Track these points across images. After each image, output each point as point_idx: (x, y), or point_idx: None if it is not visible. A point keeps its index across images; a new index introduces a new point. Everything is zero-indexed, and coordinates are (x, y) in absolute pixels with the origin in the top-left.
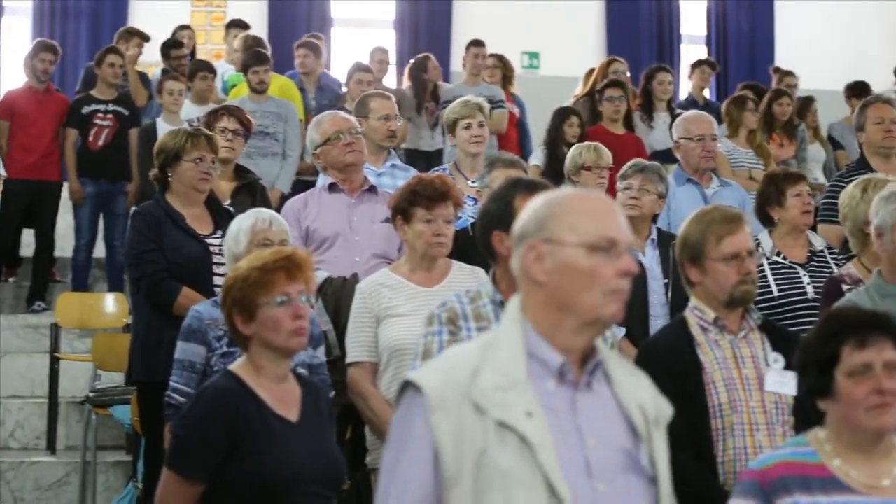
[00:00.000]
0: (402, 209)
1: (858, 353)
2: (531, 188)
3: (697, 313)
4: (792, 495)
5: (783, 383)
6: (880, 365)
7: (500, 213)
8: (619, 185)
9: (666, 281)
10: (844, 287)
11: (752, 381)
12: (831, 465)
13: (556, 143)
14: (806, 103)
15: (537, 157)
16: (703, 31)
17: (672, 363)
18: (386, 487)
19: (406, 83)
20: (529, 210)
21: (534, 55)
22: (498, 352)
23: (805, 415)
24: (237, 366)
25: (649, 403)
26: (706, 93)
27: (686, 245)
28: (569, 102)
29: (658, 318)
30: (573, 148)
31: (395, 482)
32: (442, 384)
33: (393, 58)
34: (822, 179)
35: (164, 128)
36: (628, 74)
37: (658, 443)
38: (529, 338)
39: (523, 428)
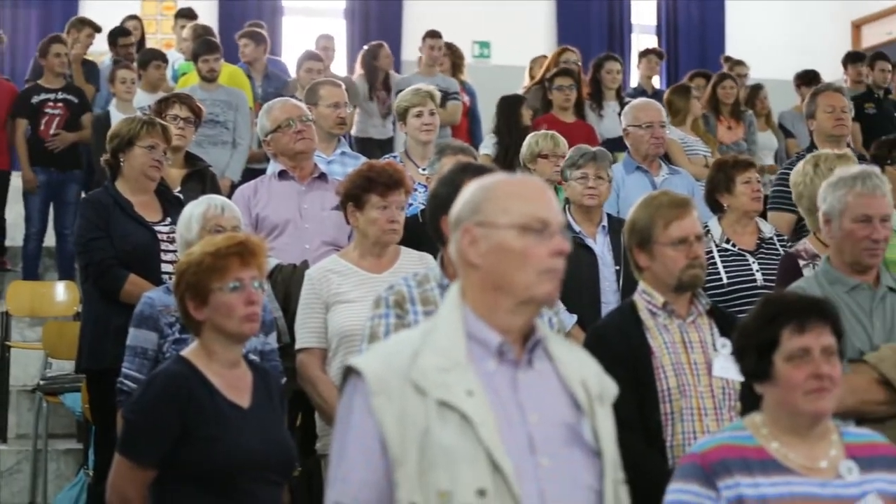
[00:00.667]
0: (355, 196)
1: (797, 338)
2: (479, 173)
3: (646, 297)
4: (733, 476)
5: (730, 368)
6: (818, 350)
7: (448, 197)
8: (571, 173)
9: (617, 268)
10: (801, 262)
11: (700, 365)
12: (769, 447)
13: (505, 132)
14: (755, 91)
15: (487, 146)
16: (654, 21)
17: (621, 347)
18: (334, 472)
19: (358, 71)
20: (465, 195)
21: (485, 44)
22: (438, 334)
23: (752, 399)
24: (189, 351)
25: (593, 380)
26: (655, 82)
27: (634, 230)
28: (520, 91)
29: (609, 305)
30: (529, 136)
31: (342, 467)
32: (383, 368)
33: (344, 47)
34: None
35: (117, 116)
36: (580, 64)
37: (602, 418)
38: (468, 319)
39: (464, 406)
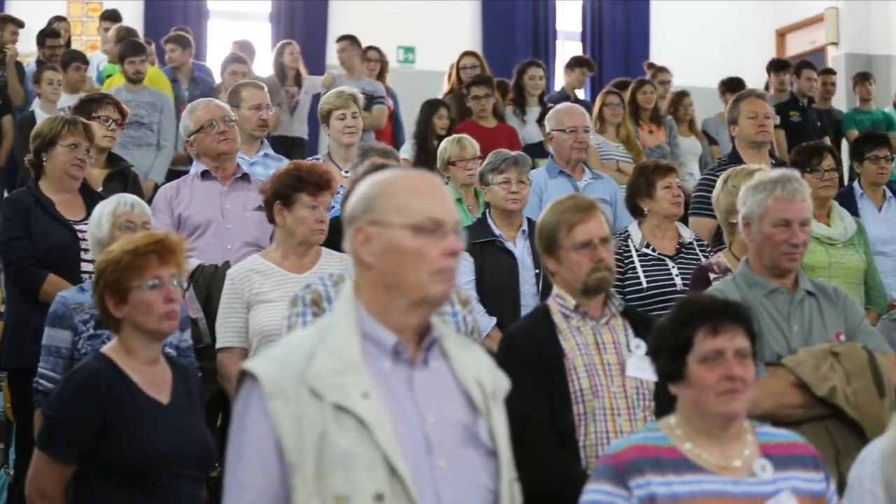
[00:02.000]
0: (284, 194)
1: (711, 340)
2: None
3: (559, 300)
4: (644, 476)
5: (644, 369)
6: (732, 352)
7: None
8: (492, 177)
9: (537, 271)
10: (712, 276)
11: (613, 366)
12: (683, 447)
13: (424, 136)
14: (680, 97)
15: (406, 151)
16: (579, 28)
17: (533, 350)
18: (230, 479)
19: (271, 70)
20: (357, 192)
21: (409, 49)
22: (332, 335)
23: (667, 400)
24: (109, 348)
25: (487, 378)
26: (580, 93)
27: (542, 235)
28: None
29: (529, 308)
30: (443, 142)
31: (239, 473)
32: (278, 371)
33: (269, 50)
34: (697, 173)
35: (41, 116)
36: (484, 65)
37: (497, 416)
38: (363, 319)
39: (359, 409)
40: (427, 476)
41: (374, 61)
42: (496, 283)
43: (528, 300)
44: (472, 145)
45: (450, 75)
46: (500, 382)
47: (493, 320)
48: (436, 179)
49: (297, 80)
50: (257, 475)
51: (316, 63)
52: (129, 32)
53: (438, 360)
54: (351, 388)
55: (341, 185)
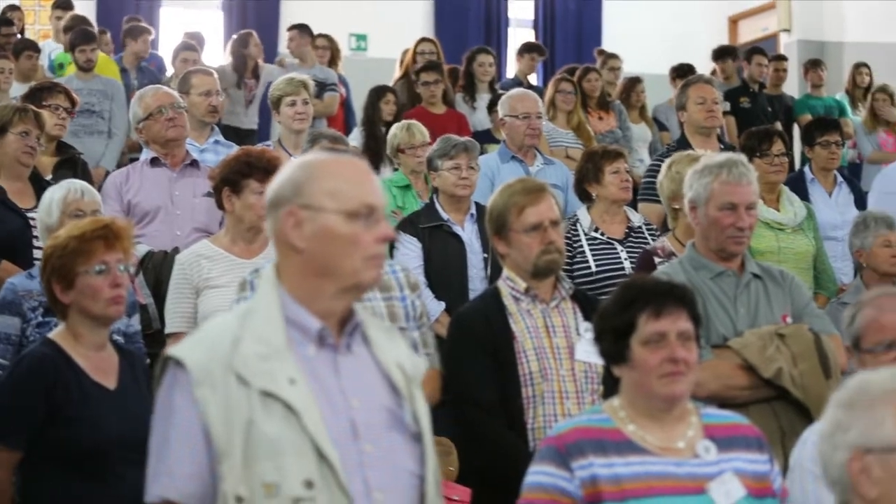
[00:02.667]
0: (233, 180)
1: (654, 323)
2: None
3: (510, 283)
4: (587, 457)
5: (592, 352)
6: (674, 334)
7: None
8: (442, 163)
9: (485, 255)
10: (657, 260)
11: (562, 349)
12: (626, 429)
13: (372, 123)
14: (632, 84)
15: (355, 138)
16: (531, 15)
17: (483, 333)
18: (156, 466)
19: (227, 59)
20: (284, 174)
21: (361, 37)
22: (256, 320)
23: (614, 382)
24: (56, 334)
25: (407, 362)
26: (532, 78)
27: (492, 218)
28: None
29: (477, 292)
30: (392, 129)
31: (166, 460)
32: (205, 357)
33: (221, 38)
34: (647, 159)
35: None
36: (440, 53)
37: (419, 400)
38: (286, 304)
39: (287, 395)
40: (355, 461)
41: (324, 49)
42: (444, 268)
43: (477, 284)
44: (422, 132)
45: (402, 61)
46: (417, 366)
47: (442, 304)
48: (364, 165)
49: (255, 72)
50: (186, 462)
51: (268, 51)
52: (82, 20)
53: (360, 345)
54: (278, 374)
55: None
